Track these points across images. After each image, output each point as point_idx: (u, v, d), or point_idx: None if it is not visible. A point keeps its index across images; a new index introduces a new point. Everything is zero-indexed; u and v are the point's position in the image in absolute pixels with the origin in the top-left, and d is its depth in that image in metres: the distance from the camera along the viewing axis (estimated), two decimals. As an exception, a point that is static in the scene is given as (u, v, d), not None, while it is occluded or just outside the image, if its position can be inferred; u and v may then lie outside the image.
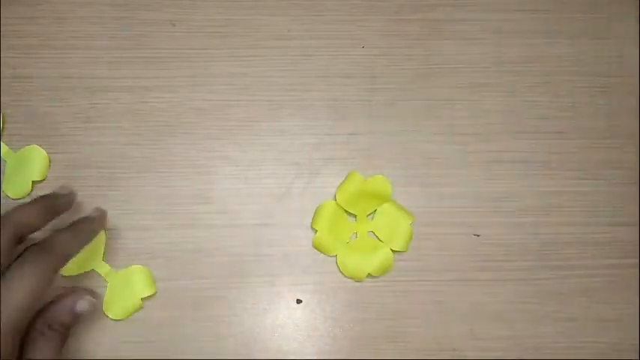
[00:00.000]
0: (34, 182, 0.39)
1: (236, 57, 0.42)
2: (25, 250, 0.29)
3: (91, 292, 0.32)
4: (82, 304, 0.31)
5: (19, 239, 0.30)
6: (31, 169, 0.39)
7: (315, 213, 0.39)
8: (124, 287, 0.37)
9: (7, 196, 0.39)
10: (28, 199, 0.39)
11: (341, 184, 0.39)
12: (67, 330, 0.31)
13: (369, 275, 0.38)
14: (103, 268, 0.38)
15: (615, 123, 0.41)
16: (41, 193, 0.39)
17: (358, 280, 0.38)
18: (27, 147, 0.40)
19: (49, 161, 0.40)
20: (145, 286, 0.37)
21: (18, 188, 0.39)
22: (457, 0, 0.44)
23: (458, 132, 0.41)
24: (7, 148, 0.40)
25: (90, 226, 0.34)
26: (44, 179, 0.39)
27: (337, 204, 0.39)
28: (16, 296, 0.26)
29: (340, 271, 0.38)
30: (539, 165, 0.41)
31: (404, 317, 0.38)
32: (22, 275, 0.27)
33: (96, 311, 0.32)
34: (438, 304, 0.38)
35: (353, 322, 0.38)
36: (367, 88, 0.42)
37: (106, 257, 0.38)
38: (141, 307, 0.37)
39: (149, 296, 0.38)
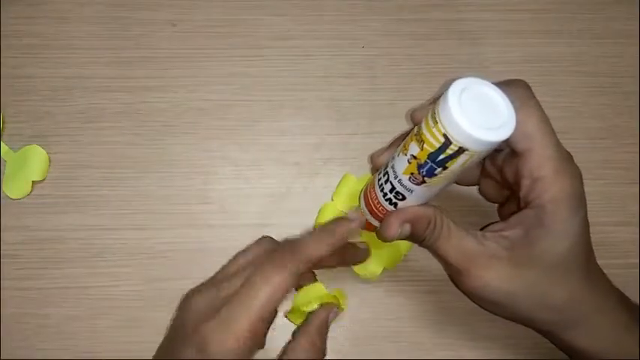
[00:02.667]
0: (34, 182, 0.39)
1: (236, 57, 0.42)
2: (274, 250, 0.30)
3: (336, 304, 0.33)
4: (332, 316, 0.32)
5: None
6: (31, 169, 0.39)
7: (318, 214, 0.39)
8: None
9: (7, 196, 0.39)
10: (28, 200, 0.39)
11: (336, 187, 0.39)
12: (325, 344, 0.32)
13: (385, 269, 0.38)
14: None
15: (615, 123, 0.41)
16: (41, 193, 0.39)
17: (373, 279, 0.38)
18: (27, 147, 0.40)
19: (49, 161, 0.40)
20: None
21: (18, 188, 0.39)
22: (457, 0, 0.44)
23: (458, 132, 0.41)
24: (7, 148, 0.40)
25: (341, 226, 0.31)
26: (44, 179, 0.39)
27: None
28: (259, 294, 0.27)
29: (356, 274, 0.38)
30: (539, 165, 0.41)
31: (404, 317, 0.38)
32: (265, 275, 0.28)
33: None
34: (438, 304, 0.38)
35: (353, 322, 0.38)
36: (367, 88, 0.42)
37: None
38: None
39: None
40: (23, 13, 0.42)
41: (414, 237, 0.30)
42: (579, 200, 0.28)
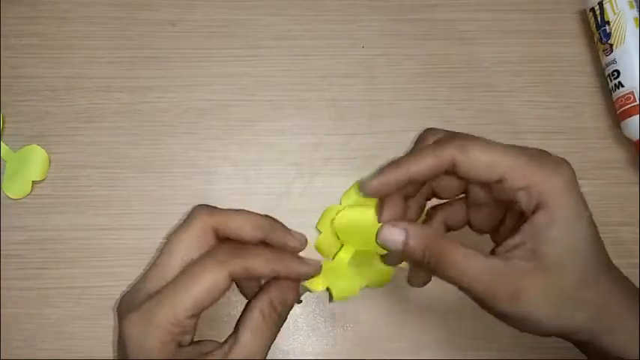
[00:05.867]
0: (34, 182, 0.39)
1: (236, 57, 0.42)
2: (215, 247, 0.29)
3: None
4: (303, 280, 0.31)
5: None
6: (31, 169, 0.39)
7: (322, 215, 0.39)
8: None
9: (7, 196, 0.39)
10: (28, 200, 0.39)
11: (347, 190, 0.39)
12: (287, 312, 0.30)
13: (366, 286, 0.38)
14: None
15: (615, 123, 0.41)
16: (41, 193, 0.39)
17: (353, 295, 0.37)
18: (27, 147, 0.40)
19: (49, 161, 0.40)
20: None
21: (18, 188, 0.39)
22: (457, 0, 0.44)
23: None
24: (7, 148, 0.40)
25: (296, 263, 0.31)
26: (44, 179, 0.40)
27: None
28: (195, 289, 0.26)
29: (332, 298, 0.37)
30: (540, 165, 0.41)
31: (404, 317, 0.38)
32: (204, 269, 0.27)
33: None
34: (439, 304, 0.38)
35: (353, 322, 0.38)
36: (367, 88, 0.42)
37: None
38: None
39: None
40: (23, 13, 0.42)
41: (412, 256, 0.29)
42: (575, 185, 0.28)
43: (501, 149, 0.28)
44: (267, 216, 0.31)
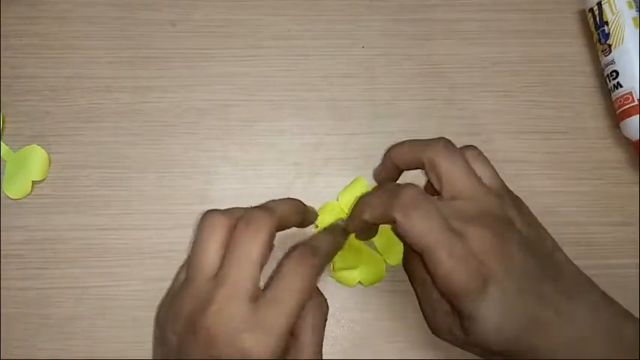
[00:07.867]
0: (34, 182, 0.39)
1: (236, 57, 0.42)
2: (293, 250, 0.28)
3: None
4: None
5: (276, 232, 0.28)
6: (31, 169, 0.39)
7: (319, 211, 0.39)
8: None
9: (7, 196, 0.39)
10: (28, 200, 0.39)
11: (345, 187, 0.39)
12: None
13: (360, 283, 0.38)
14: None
15: (615, 123, 0.41)
16: (41, 193, 0.39)
17: (348, 286, 0.38)
18: (27, 147, 0.40)
19: (49, 161, 0.40)
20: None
21: (18, 188, 0.39)
22: (457, 0, 0.44)
23: (457, 132, 0.41)
24: (7, 148, 0.40)
25: (340, 227, 0.32)
26: (44, 179, 0.40)
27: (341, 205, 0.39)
28: (291, 298, 0.25)
29: (331, 276, 0.38)
30: (539, 165, 0.41)
31: (404, 317, 0.38)
32: (294, 277, 0.26)
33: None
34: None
35: (353, 322, 0.38)
36: (367, 88, 0.42)
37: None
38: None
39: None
40: (23, 13, 0.42)
41: None
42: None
43: (429, 225, 0.26)
44: (296, 200, 0.31)
